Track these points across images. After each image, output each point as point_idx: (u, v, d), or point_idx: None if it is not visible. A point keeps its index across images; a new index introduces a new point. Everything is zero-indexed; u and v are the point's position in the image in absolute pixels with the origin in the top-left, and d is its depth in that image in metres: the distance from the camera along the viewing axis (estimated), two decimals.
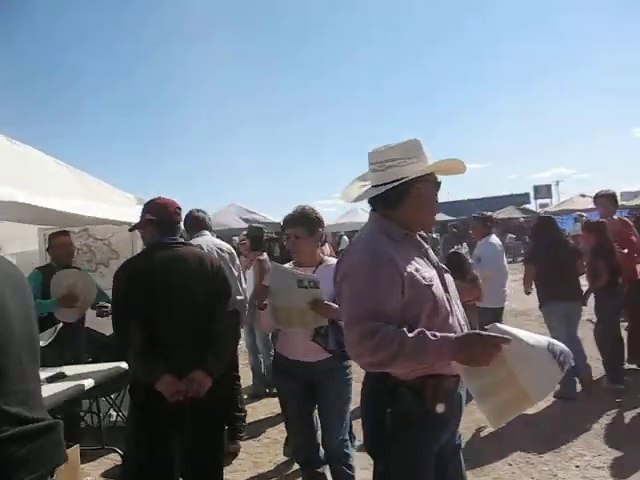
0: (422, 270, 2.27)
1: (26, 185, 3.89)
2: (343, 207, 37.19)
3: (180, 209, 3.76)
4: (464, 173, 2.46)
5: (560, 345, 2.19)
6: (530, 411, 5.79)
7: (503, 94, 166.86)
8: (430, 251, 2.49)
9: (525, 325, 9.73)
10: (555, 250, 6.42)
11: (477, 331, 2.14)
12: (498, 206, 37.94)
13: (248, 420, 5.96)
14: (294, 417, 3.80)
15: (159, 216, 3.61)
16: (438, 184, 2.44)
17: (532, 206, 45.14)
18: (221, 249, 5.57)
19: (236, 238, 11.64)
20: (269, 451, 5.38)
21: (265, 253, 7.37)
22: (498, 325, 2.14)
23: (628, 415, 5.64)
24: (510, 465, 4.67)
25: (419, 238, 2.48)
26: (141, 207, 3.85)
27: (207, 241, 5.58)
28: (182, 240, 3.73)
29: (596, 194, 7.00)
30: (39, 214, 4.53)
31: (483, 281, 6.50)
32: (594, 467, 4.53)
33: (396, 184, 2.31)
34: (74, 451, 4.55)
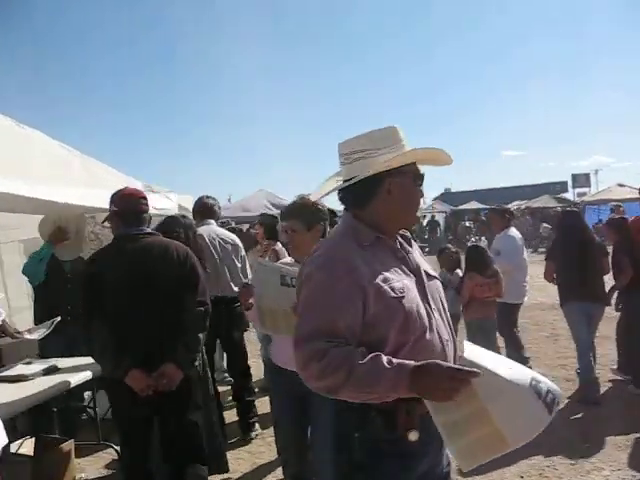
0: (393, 280, 1.97)
1: (29, 173, 3.84)
2: None
3: (145, 198, 3.71)
4: (451, 164, 2.16)
5: (547, 383, 1.86)
6: None
7: (543, 79, 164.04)
8: (412, 255, 2.17)
9: (554, 320, 9.39)
10: (575, 247, 6.04)
11: (438, 362, 1.81)
12: (535, 195, 37.27)
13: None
14: (284, 430, 3.59)
15: (123, 207, 3.59)
16: (419, 177, 2.12)
17: (570, 195, 44.27)
18: (224, 240, 5.41)
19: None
20: (270, 450, 5.15)
21: (280, 243, 7.15)
22: (467, 356, 1.80)
23: None
24: (521, 478, 4.38)
25: (400, 240, 2.18)
26: (150, 194, 3.89)
27: (210, 230, 5.46)
28: (149, 230, 3.69)
29: None
30: (41, 205, 4.44)
31: (502, 275, 6.24)
32: None
33: (362, 178, 2.02)
34: (68, 445, 4.47)
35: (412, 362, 1.80)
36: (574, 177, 47.81)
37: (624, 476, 4.29)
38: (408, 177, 2.08)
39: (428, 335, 1.99)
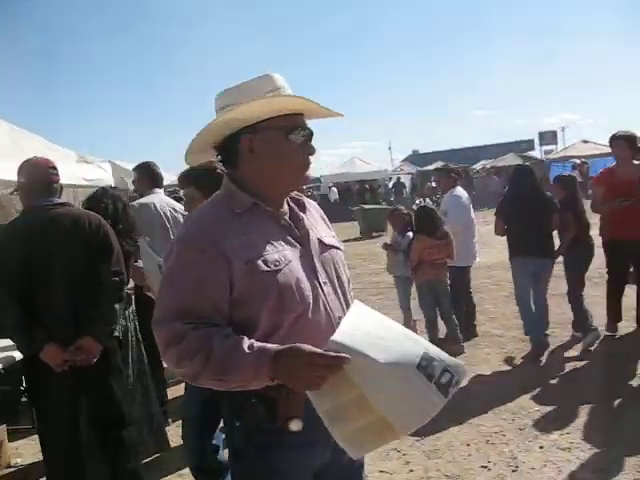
0: (268, 251, 1.73)
1: None
2: (345, 156, 36.57)
3: (55, 168, 3.52)
4: (329, 116, 1.92)
5: (443, 361, 1.61)
6: (496, 376, 5.47)
7: (510, 36, 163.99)
8: (305, 222, 1.91)
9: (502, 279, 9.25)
10: (522, 203, 5.92)
11: (301, 346, 1.56)
12: (502, 153, 37.27)
13: None
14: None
15: (31, 178, 3.45)
16: (295, 130, 1.80)
17: (537, 153, 44.39)
18: (175, 209, 5.16)
19: None
20: None
21: None
22: (337, 339, 1.53)
23: (613, 390, 5.02)
24: (468, 446, 4.20)
25: (292, 205, 1.92)
26: (84, 164, 3.72)
27: (161, 200, 5.20)
28: (59, 201, 3.51)
29: (612, 136, 5.98)
30: None
31: (453, 237, 6.07)
32: (559, 448, 4.03)
33: (198, 137, 1.82)
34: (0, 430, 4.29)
35: (275, 346, 1.58)
36: (541, 135, 47.85)
37: (572, 440, 4.13)
38: (276, 132, 1.79)
39: (311, 314, 1.76)
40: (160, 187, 5.45)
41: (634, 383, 5.05)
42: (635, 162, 5.85)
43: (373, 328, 1.61)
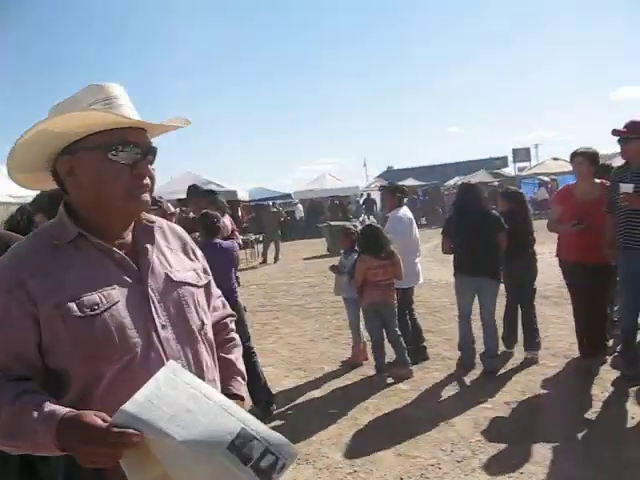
0: (85, 293, 1.48)
1: None
2: (316, 172, 36.34)
3: None
4: (170, 130, 1.70)
5: (266, 440, 1.33)
6: (439, 403, 5.22)
7: (484, 54, 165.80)
8: (149, 256, 1.64)
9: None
10: (465, 222, 5.87)
11: (84, 417, 1.31)
12: (476, 170, 37.31)
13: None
14: None
15: None
16: (114, 147, 1.52)
17: (511, 170, 44.49)
18: None
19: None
20: None
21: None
22: (128, 409, 1.28)
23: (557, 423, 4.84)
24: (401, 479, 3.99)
25: (127, 236, 1.65)
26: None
27: None
28: None
29: (573, 152, 5.74)
30: None
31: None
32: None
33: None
34: None
35: (63, 412, 1.33)
36: (514, 152, 47.95)
37: (511, 475, 3.90)
38: (94, 151, 1.53)
39: (141, 363, 1.49)
40: None
41: (582, 412, 4.84)
42: (596, 180, 5.63)
43: (181, 398, 1.34)
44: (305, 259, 18.19)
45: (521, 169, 41.02)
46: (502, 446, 4.33)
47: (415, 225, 6.66)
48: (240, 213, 23.97)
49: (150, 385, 1.34)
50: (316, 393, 5.77)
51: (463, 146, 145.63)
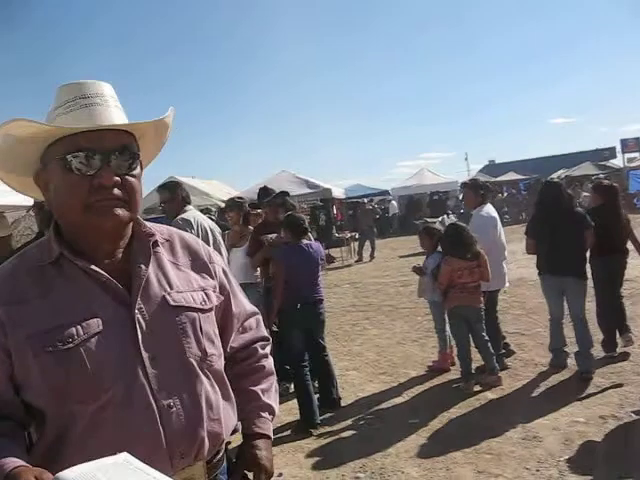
0: (60, 324, 1.32)
1: None
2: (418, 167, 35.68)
3: None
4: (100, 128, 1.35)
5: None
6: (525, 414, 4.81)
7: (589, 41, 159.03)
8: (142, 276, 1.43)
9: None
10: (548, 220, 5.66)
11: (24, 476, 1.14)
12: (582, 162, 35.75)
13: None
14: None
15: None
16: (68, 155, 1.33)
17: (619, 161, 42.33)
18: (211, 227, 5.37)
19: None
20: None
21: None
22: (66, 476, 1.07)
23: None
24: None
25: (118, 255, 1.46)
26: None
27: (197, 216, 5.38)
28: None
29: None
30: None
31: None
32: None
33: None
34: None
35: (12, 466, 1.18)
36: (623, 142, 45.60)
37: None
38: (55, 162, 1.37)
39: (122, 402, 1.33)
40: (190, 203, 5.54)
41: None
42: None
43: (131, 477, 1.14)
44: (401, 257, 17.86)
45: (630, 160, 38.89)
46: (593, 469, 3.95)
47: (500, 224, 6.27)
48: (335, 211, 23.95)
49: (99, 461, 1.14)
50: (398, 400, 5.57)
51: (571, 137, 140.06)
